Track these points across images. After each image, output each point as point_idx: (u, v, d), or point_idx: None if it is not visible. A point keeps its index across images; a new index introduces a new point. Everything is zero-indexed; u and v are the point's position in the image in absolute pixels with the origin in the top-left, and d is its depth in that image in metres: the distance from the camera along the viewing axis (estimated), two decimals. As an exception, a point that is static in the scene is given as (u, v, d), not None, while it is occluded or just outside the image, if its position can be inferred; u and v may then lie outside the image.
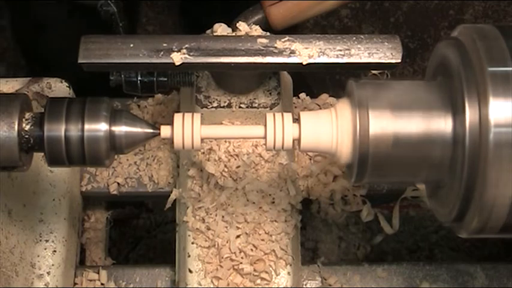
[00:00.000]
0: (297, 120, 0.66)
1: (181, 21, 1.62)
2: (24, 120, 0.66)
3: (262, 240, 0.84)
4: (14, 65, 1.56)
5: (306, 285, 0.95)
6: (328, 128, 0.64)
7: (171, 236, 0.98)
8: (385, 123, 0.62)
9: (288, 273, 0.84)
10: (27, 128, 0.66)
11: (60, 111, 0.66)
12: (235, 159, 0.85)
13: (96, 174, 0.97)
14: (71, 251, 0.94)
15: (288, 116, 0.66)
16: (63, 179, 0.93)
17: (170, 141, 0.67)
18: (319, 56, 0.73)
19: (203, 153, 0.85)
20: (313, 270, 0.95)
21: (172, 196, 0.91)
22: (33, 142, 0.66)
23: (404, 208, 1.17)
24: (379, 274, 0.96)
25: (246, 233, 0.84)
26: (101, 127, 0.65)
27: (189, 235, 0.85)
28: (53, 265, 0.91)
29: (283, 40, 0.74)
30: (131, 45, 0.72)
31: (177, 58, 0.72)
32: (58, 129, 0.65)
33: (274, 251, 0.84)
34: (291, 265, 0.85)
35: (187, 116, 0.66)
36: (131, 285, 0.95)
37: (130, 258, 1.30)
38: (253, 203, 0.85)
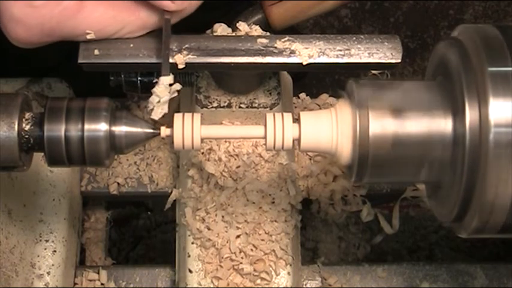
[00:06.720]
0: (297, 120, 0.66)
1: (181, 21, 1.61)
2: (24, 120, 0.66)
3: (262, 240, 0.84)
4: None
5: (306, 285, 0.95)
6: (328, 128, 0.64)
7: (171, 236, 0.98)
8: (385, 124, 0.62)
9: (288, 273, 0.84)
10: (27, 128, 0.66)
11: (60, 111, 0.65)
12: (235, 159, 0.85)
13: (96, 174, 0.97)
14: (71, 251, 0.94)
15: (288, 116, 0.66)
16: (63, 179, 0.93)
17: (170, 141, 0.67)
18: (319, 56, 0.73)
19: (203, 153, 0.85)
20: (313, 270, 0.95)
21: (172, 196, 0.91)
22: (33, 142, 0.66)
23: (404, 208, 1.17)
24: (379, 274, 0.96)
25: (246, 233, 0.84)
26: (101, 127, 0.65)
27: (189, 235, 0.85)
28: (53, 265, 0.91)
29: (283, 40, 0.74)
30: (131, 45, 0.72)
31: (181, 60, 0.72)
32: (58, 129, 0.65)
33: (274, 251, 0.84)
34: (291, 265, 0.85)
35: (187, 116, 0.66)
36: (131, 285, 0.95)
37: (130, 258, 1.30)
38: (253, 203, 0.85)
